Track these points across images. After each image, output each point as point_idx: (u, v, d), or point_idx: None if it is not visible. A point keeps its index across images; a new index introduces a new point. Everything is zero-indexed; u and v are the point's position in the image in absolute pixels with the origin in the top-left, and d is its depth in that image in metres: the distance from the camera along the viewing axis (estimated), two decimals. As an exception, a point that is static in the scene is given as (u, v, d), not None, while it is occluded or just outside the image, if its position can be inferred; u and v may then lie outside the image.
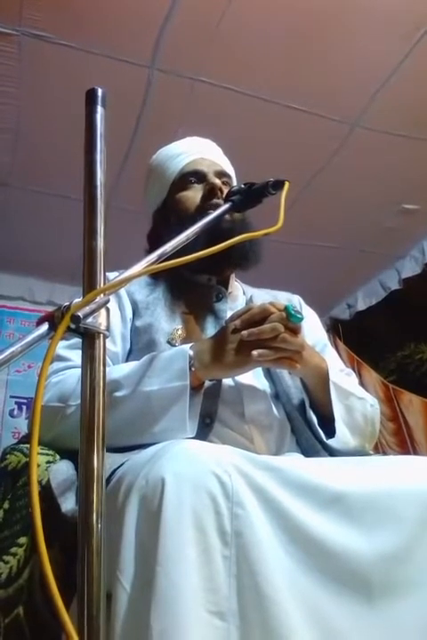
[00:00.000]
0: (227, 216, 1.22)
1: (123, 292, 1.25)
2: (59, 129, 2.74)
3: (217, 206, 1.17)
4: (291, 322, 1.03)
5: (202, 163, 1.34)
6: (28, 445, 1.03)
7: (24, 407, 3.81)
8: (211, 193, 1.28)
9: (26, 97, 2.61)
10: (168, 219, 1.32)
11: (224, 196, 1.21)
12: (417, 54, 2.48)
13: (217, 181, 1.29)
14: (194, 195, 1.30)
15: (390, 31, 2.40)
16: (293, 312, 1.03)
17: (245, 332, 1.02)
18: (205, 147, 1.39)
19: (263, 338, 1.01)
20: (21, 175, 3.07)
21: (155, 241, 1.37)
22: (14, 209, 3.30)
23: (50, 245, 3.58)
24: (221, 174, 1.34)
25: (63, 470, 0.96)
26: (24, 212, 3.33)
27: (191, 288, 1.29)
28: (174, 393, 1.00)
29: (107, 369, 0.69)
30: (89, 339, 0.67)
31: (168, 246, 0.88)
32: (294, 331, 1.04)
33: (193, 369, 1.03)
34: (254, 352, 1.00)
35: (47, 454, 1.00)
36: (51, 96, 2.61)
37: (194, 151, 1.36)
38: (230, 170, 1.41)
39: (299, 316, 1.04)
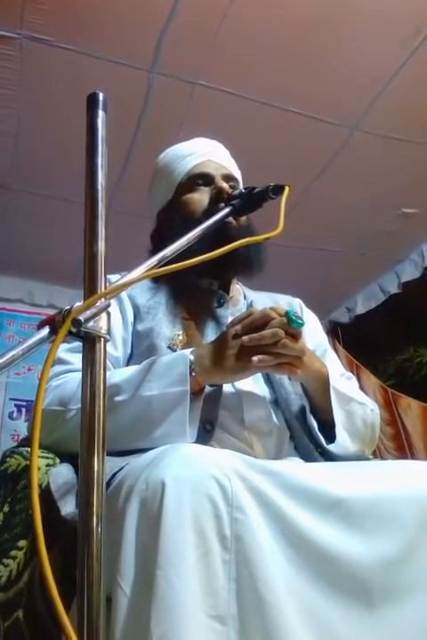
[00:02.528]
0: (233, 221, 1.21)
1: (124, 295, 1.25)
2: (59, 132, 2.74)
3: None
4: (292, 327, 1.03)
5: (210, 165, 1.33)
6: (27, 448, 1.03)
7: (23, 410, 3.80)
8: (218, 197, 1.26)
9: (26, 100, 2.61)
10: (173, 220, 1.30)
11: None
12: (417, 58, 2.48)
13: (225, 185, 1.27)
14: (200, 198, 1.29)
15: (391, 35, 2.40)
16: (293, 317, 1.03)
17: (245, 338, 1.01)
18: (213, 148, 1.38)
19: (264, 343, 1.01)
20: (21, 177, 3.07)
21: (158, 241, 1.36)
22: (14, 211, 3.30)
23: (50, 248, 3.58)
24: (229, 178, 1.33)
25: (63, 473, 0.96)
26: (24, 215, 3.33)
27: (193, 293, 1.28)
28: (175, 398, 1.00)
29: (107, 373, 0.69)
30: (90, 342, 0.67)
31: (169, 250, 0.88)
32: (295, 336, 1.04)
33: (193, 374, 1.03)
34: (255, 358, 1.00)
35: (47, 457, 1.01)
36: (51, 99, 2.61)
37: (202, 153, 1.34)
38: (237, 173, 1.40)
39: (300, 321, 1.04)
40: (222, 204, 1.21)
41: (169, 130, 2.33)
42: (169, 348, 1.17)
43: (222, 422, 1.10)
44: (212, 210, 1.22)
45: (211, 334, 1.22)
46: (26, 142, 2.83)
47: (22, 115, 2.69)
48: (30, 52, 2.38)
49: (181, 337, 1.20)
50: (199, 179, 1.31)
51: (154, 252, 0.87)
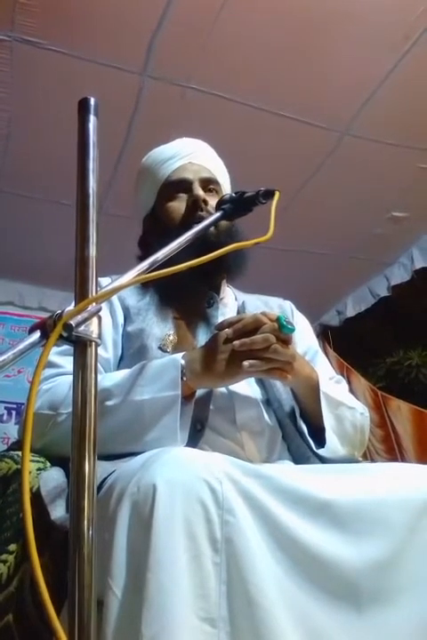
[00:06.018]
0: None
1: (114, 297, 1.25)
2: (49, 134, 2.73)
3: (201, 219, 1.15)
4: (283, 332, 1.03)
5: (189, 169, 1.33)
6: (18, 452, 1.02)
7: (13, 412, 3.78)
8: (194, 205, 1.27)
9: (17, 102, 2.60)
10: (155, 228, 1.33)
11: (215, 205, 1.19)
12: (406, 63, 2.50)
13: (201, 193, 1.28)
14: (179, 206, 1.30)
15: (380, 41, 2.42)
16: (284, 323, 1.03)
17: (236, 343, 1.01)
18: (194, 149, 1.38)
19: (255, 348, 1.02)
20: (11, 180, 3.06)
21: (145, 248, 1.37)
22: (4, 214, 3.28)
23: (40, 250, 3.57)
24: (208, 182, 1.33)
25: (53, 477, 0.96)
26: (14, 217, 3.32)
27: (183, 294, 1.28)
28: (166, 403, 1.00)
29: (98, 376, 0.69)
30: (81, 347, 0.67)
31: (160, 254, 0.89)
32: (286, 341, 1.05)
33: (184, 378, 1.03)
34: (246, 362, 1.00)
35: (38, 461, 1.00)
36: (42, 102, 2.60)
37: (183, 154, 1.34)
38: (219, 173, 1.39)
39: (290, 326, 1.04)
40: (204, 213, 1.23)
41: (160, 133, 2.31)
42: (160, 348, 1.17)
43: (213, 423, 1.10)
44: (188, 219, 1.24)
45: (202, 334, 1.22)
46: (16, 145, 2.83)
47: (13, 117, 2.68)
48: (21, 54, 2.37)
49: (171, 337, 1.20)
50: (177, 185, 1.32)
51: (142, 258, 0.87)
